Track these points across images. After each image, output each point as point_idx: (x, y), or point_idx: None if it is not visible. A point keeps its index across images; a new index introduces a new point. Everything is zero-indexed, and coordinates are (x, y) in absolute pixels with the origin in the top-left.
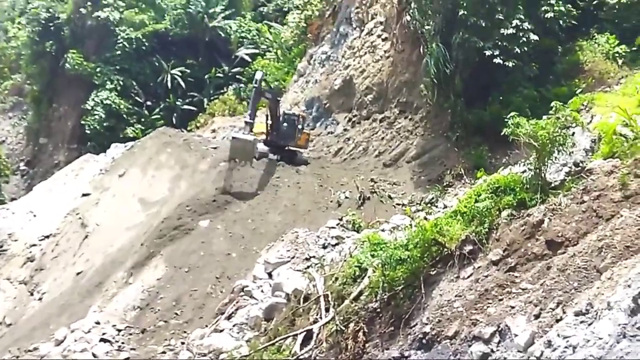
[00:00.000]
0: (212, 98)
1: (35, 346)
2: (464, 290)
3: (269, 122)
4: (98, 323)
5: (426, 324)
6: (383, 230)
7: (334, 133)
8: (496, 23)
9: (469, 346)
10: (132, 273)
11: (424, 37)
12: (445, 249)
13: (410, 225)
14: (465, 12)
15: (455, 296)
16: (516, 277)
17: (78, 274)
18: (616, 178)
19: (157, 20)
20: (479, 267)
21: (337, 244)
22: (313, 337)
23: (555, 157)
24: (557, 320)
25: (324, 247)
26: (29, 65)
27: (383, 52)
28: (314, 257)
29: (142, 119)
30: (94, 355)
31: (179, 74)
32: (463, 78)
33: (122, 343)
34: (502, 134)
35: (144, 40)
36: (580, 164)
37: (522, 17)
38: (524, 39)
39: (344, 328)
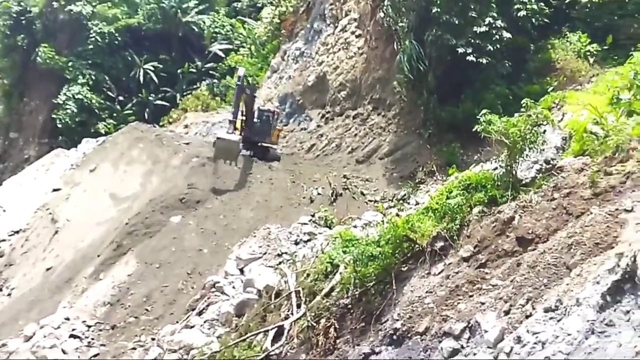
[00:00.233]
0: (184, 93)
1: (3, 342)
2: (435, 287)
3: (244, 118)
4: (68, 319)
5: (397, 319)
6: (355, 227)
7: (307, 129)
8: (469, 21)
9: (440, 342)
10: (103, 269)
11: (397, 34)
12: (417, 246)
13: (382, 221)
14: (439, 10)
15: (426, 292)
16: (486, 273)
17: (48, 269)
18: (586, 176)
19: (130, 14)
20: (449, 264)
21: (309, 240)
22: (284, 333)
23: (527, 155)
24: (527, 317)
25: (296, 243)
26: None
27: (357, 49)
28: (285, 253)
29: (114, 114)
30: (63, 351)
31: (152, 68)
32: (436, 75)
33: (92, 339)
34: (474, 131)
35: (116, 34)
36: (551, 162)
37: (495, 15)
38: (497, 36)
39: (315, 324)
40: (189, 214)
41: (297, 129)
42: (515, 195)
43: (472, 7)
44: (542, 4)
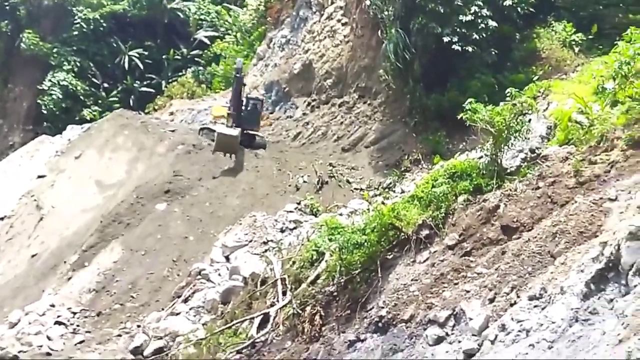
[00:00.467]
0: (170, 80)
1: None
2: (420, 274)
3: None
4: (53, 306)
5: (382, 307)
6: (341, 215)
7: (293, 117)
8: (455, 9)
9: (424, 329)
10: (88, 256)
11: (383, 23)
12: (402, 234)
13: (368, 209)
14: None
15: (412, 280)
16: (471, 261)
17: (33, 256)
18: (571, 164)
19: (115, 1)
20: (435, 252)
21: (295, 228)
22: (270, 321)
23: (512, 143)
24: (512, 305)
25: (282, 231)
26: None
27: (343, 37)
28: (271, 240)
29: (99, 101)
30: (48, 337)
31: (137, 55)
32: (422, 64)
33: (77, 326)
34: (460, 119)
35: (101, 21)
36: (536, 151)
37: (480, 3)
38: (483, 25)
39: (300, 311)
40: (175, 202)
41: (282, 117)
42: (500, 184)
43: None
44: None
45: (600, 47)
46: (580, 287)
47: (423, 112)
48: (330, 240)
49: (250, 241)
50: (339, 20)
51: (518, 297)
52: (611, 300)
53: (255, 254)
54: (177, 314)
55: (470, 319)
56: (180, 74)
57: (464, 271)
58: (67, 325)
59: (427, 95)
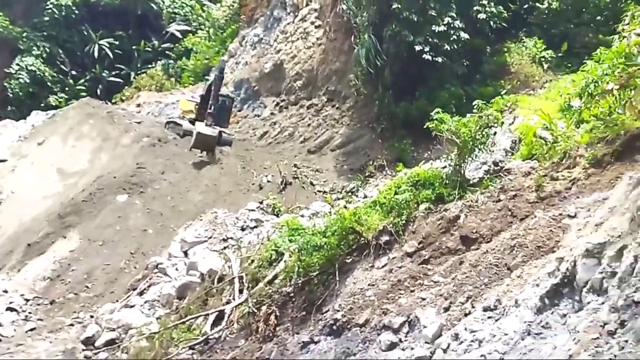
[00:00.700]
0: (139, 72)
1: None
2: (378, 280)
3: (198, 100)
4: (6, 291)
5: (338, 310)
6: (302, 216)
7: (261, 116)
8: (428, 19)
9: (378, 335)
10: (45, 243)
11: (357, 28)
12: (362, 238)
13: (330, 212)
14: (399, 6)
15: (369, 285)
16: (429, 269)
17: None
18: (533, 179)
19: None
20: (393, 258)
21: (255, 227)
22: (224, 318)
23: (476, 155)
24: (466, 314)
25: (243, 229)
26: None
27: (315, 39)
28: (231, 238)
29: (66, 88)
30: None
31: (107, 45)
32: (392, 71)
33: (30, 313)
34: (426, 128)
35: (74, 8)
36: (500, 164)
37: (454, 15)
38: (455, 36)
39: (256, 310)
40: (136, 194)
41: (250, 115)
42: (462, 195)
43: (432, 5)
44: (501, 7)
45: (569, 65)
46: (535, 301)
47: (391, 119)
48: (290, 241)
49: (210, 237)
50: (312, 23)
51: (473, 307)
52: (564, 315)
53: (214, 250)
54: (132, 306)
55: (425, 326)
56: (150, 66)
57: (421, 279)
58: (19, 312)
59: (395, 102)
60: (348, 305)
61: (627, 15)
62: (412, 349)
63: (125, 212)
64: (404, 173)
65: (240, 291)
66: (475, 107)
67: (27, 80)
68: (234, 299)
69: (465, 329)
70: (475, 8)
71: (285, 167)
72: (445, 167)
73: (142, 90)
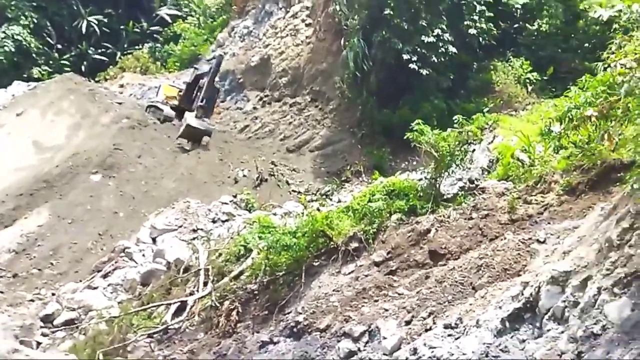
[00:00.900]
0: (125, 52)
1: None
2: (343, 286)
3: (198, 92)
4: None
5: (300, 313)
6: (275, 214)
7: (243, 109)
8: (419, 29)
9: (338, 341)
10: (13, 216)
11: (347, 30)
12: (332, 243)
13: (302, 213)
14: (391, 13)
15: (333, 290)
16: (395, 281)
17: None
18: (506, 200)
19: None
20: (361, 266)
21: (227, 220)
22: (186, 309)
23: (453, 171)
24: (427, 330)
25: (214, 221)
26: None
27: (304, 38)
28: (201, 229)
29: (51, 62)
30: None
31: (96, 22)
32: (378, 77)
33: None
34: (406, 138)
35: None
36: (475, 181)
37: (444, 27)
38: (443, 49)
39: (218, 305)
40: (111, 175)
41: (232, 108)
42: (435, 209)
43: (424, 15)
44: (491, 24)
45: (554, 89)
46: (496, 323)
47: (372, 125)
48: (259, 238)
49: (180, 227)
50: (303, 20)
51: (434, 323)
52: (523, 340)
53: (182, 240)
54: (95, 288)
55: (384, 337)
56: (136, 47)
57: (386, 289)
58: None
59: (378, 109)
60: (311, 309)
61: (613, 44)
62: (369, 359)
63: (98, 192)
64: (379, 181)
65: (205, 284)
66: (456, 122)
67: (12, 50)
68: (197, 290)
69: (425, 344)
70: (465, 23)
71: (262, 163)
72: (421, 179)
73: (127, 71)
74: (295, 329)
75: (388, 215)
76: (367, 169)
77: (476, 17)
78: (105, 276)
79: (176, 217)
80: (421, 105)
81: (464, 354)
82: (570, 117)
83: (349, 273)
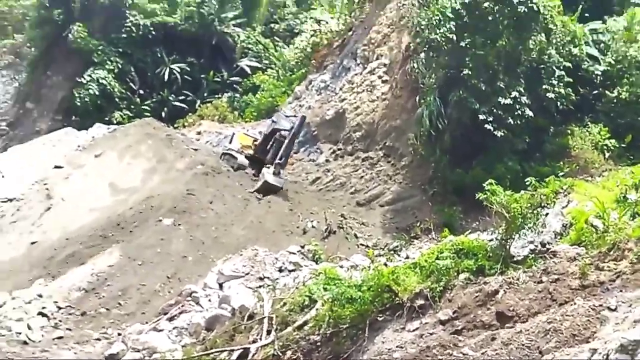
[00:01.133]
0: (205, 101)
1: None
2: (407, 343)
3: (274, 144)
4: (40, 296)
5: None
6: (341, 267)
7: (316, 162)
8: (496, 90)
9: None
10: (86, 254)
11: (423, 88)
12: (397, 298)
13: (369, 267)
14: (469, 73)
15: (397, 347)
16: (460, 340)
17: (32, 243)
18: (578, 266)
19: (168, 12)
20: (426, 323)
21: (293, 270)
22: (248, 356)
23: (524, 233)
24: None
25: (280, 270)
26: (32, 29)
27: (380, 94)
28: (268, 278)
29: (132, 106)
30: (28, 326)
31: (178, 70)
32: (453, 136)
33: (60, 321)
34: (478, 199)
35: (151, 29)
36: (547, 245)
37: (522, 90)
38: (519, 112)
39: (280, 354)
40: (182, 219)
41: (305, 159)
42: (504, 270)
43: (502, 77)
44: (570, 89)
45: (631, 157)
46: None
47: (444, 183)
48: (325, 289)
49: (247, 274)
50: (379, 77)
51: None
52: None
53: (249, 287)
54: (160, 330)
55: None
56: (216, 96)
57: (450, 349)
58: (49, 318)
59: (451, 168)
60: None
61: None
62: None
63: (169, 235)
64: (449, 239)
65: (268, 332)
66: (529, 184)
67: (97, 93)
68: (260, 338)
69: None
70: (544, 87)
71: (332, 216)
72: (491, 240)
73: (205, 119)
74: None
75: (456, 274)
76: (437, 227)
77: (555, 82)
78: (171, 319)
79: (244, 264)
80: (495, 166)
81: None
82: None
83: (414, 330)
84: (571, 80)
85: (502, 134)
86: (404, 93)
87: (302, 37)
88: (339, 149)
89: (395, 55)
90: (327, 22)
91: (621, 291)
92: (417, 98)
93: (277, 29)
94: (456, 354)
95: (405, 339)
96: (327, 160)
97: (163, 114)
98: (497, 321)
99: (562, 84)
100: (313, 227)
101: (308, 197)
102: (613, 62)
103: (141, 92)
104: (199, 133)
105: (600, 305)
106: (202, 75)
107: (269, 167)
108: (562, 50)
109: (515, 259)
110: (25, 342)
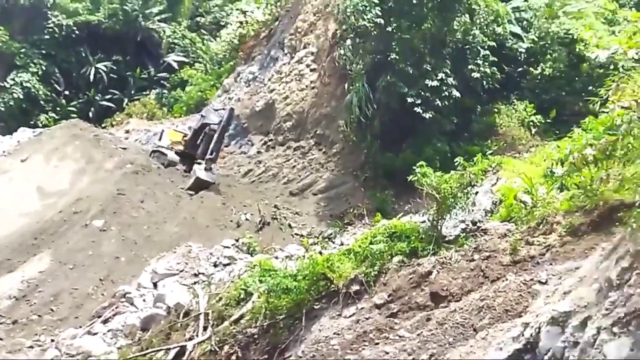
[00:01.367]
0: (132, 98)
1: None
2: (344, 329)
3: (204, 139)
4: None
5: (300, 357)
6: (276, 258)
7: (247, 154)
8: (423, 73)
9: None
10: (15, 262)
11: (351, 75)
12: (333, 285)
13: (303, 256)
14: (396, 57)
15: (334, 333)
16: (396, 323)
17: None
18: (508, 242)
19: (91, 11)
20: (362, 308)
21: (228, 264)
22: (186, 354)
23: (455, 213)
24: None
25: (215, 265)
26: None
27: (309, 82)
28: (202, 273)
29: (58, 108)
30: None
31: (104, 68)
32: (382, 121)
33: None
34: (409, 181)
35: (74, 28)
36: (477, 223)
37: (448, 71)
38: (447, 93)
39: (218, 349)
40: (113, 220)
41: (237, 152)
42: (436, 251)
43: (428, 60)
44: (495, 68)
45: (557, 132)
46: None
47: (375, 168)
48: (260, 281)
49: (182, 271)
50: (307, 66)
51: None
52: None
53: (184, 284)
54: (94, 334)
55: None
56: (144, 93)
57: (387, 332)
58: None
59: (382, 152)
60: (311, 353)
61: (610, 85)
62: None
63: (100, 237)
64: (381, 224)
65: (205, 328)
66: (458, 164)
67: (21, 96)
68: (197, 335)
69: None
70: (469, 67)
71: (265, 207)
72: (423, 221)
73: (133, 117)
74: None
75: (389, 257)
76: (370, 212)
77: (480, 61)
78: (105, 322)
79: (177, 261)
80: (424, 148)
81: None
82: (572, 158)
83: (350, 316)
84: (496, 59)
85: (430, 115)
86: (333, 80)
87: (229, 29)
88: (270, 140)
89: (323, 43)
90: (252, 13)
91: (551, 264)
92: (346, 85)
93: (203, 22)
94: (392, 337)
95: (342, 325)
96: (258, 152)
97: (90, 114)
98: (432, 301)
99: (487, 63)
100: (247, 219)
101: (241, 190)
102: (536, 39)
103: (67, 93)
104: (127, 132)
105: (532, 280)
106: (129, 73)
107: (200, 163)
108: (486, 30)
109: (447, 239)
110: None
